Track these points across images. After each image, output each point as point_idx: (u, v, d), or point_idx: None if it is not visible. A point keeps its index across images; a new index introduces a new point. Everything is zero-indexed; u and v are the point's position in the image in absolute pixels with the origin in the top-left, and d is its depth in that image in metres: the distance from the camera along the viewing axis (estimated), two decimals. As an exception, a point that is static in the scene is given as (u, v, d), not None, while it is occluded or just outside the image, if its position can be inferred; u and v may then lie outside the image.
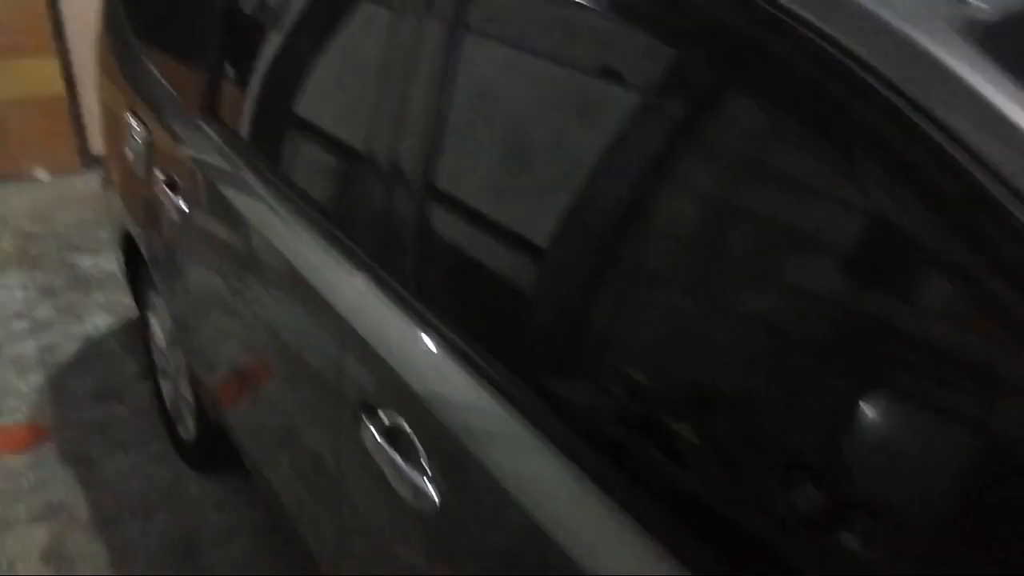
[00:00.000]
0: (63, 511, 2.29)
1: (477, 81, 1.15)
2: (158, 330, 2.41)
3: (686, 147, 0.90)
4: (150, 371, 2.67)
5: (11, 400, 2.70)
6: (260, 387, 1.72)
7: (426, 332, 1.17)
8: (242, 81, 1.74)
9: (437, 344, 1.15)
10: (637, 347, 0.93)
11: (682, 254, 0.90)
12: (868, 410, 0.71)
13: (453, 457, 1.08)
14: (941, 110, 0.66)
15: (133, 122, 2.17)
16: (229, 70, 1.77)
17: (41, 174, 4.34)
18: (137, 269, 2.48)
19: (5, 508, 2.29)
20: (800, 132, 0.77)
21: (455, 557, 1.12)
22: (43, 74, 4.17)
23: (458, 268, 1.18)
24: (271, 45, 1.66)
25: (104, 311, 3.22)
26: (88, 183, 4.21)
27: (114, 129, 2.44)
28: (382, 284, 1.26)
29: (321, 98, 1.52)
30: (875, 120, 0.70)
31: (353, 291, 1.29)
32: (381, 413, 1.20)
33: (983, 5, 0.75)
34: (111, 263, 3.42)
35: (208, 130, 1.80)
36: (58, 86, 4.23)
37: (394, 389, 1.18)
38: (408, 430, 1.15)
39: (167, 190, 1.90)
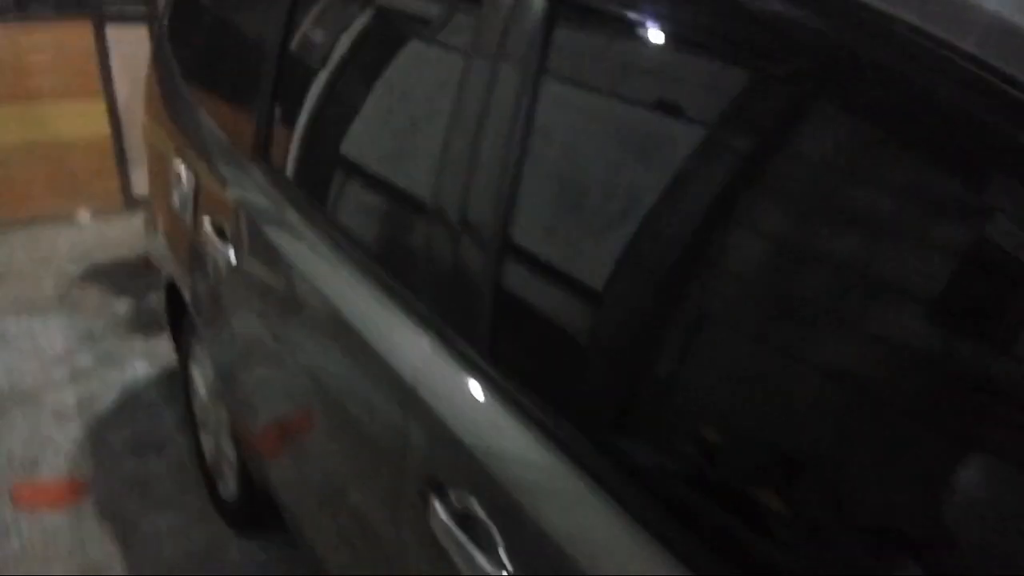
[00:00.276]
0: (101, 573, 2.18)
1: (557, 131, 1.03)
2: (200, 382, 2.31)
3: (782, 195, 0.80)
4: (190, 423, 2.57)
5: (50, 453, 2.61)
6: (310, 449, 1.60)
7: (502, 402, 1.04)
8: (295, 126, 1.65)
9: (515, 416, 1.02)
10: (727, 409, 0.83)
11: (762, 306, 0.80)
12: (967, 471, 0.65)
13: (537, 551, 0.95)
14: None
15: (181, 167, 2.09)
16: (282, 114, 1.68)
17: (83, 216, 4.32)
18: (179, 317, 2.39)
19: (42, 567, 2.19)
20: (901, 159, 0.70)
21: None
22: (89, 116, 4.17)
23: (537, 330, 1.06)
24: (326, 89, 1.57)
25: (144, 358, 3.14)
26: (130, 225, 4.18)
27: (160, 172, 2.37)
28: (450, 346, 1.13)
29: (381, 145, 1.42)
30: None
31: (418, 353, 1.17)
32: (451, 493, 1.07)
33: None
34: (152, 308, 3.36)
35: (260, 176, 1.70)
36: (103, 128, 4.22)
37: (466, 467, 1.05)
38: (482, 515, 1.02)
39: (216, 238, 1.80)
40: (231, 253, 1.74)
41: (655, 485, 0.87)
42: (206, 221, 1.86)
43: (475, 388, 1.08)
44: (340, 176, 1.55)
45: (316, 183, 1.59)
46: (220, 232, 1.80)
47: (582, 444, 0.93)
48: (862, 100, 0.74)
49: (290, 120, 1.67)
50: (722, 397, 0.84)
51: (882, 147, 0.73)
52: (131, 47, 4.11)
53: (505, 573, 0.98)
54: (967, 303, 0.66)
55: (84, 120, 4.08)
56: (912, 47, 0.69)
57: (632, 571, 0.86)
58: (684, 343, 0.88)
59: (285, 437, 1.72)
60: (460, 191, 1.12)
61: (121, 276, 3.71)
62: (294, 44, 1.67)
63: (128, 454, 2.62)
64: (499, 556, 0.99)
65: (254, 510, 2.17)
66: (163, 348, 3.10)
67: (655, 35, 0.95)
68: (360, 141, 1.48)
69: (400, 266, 1.30)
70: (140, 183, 4.30)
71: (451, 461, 1.09)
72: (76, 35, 3.99)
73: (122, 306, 3.51)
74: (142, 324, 3.36)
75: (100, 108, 4.13)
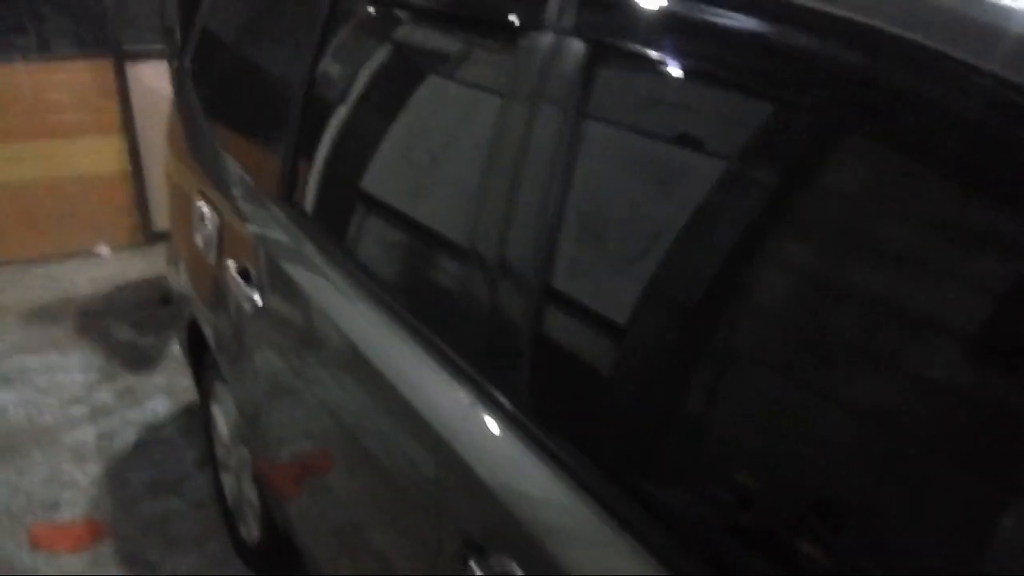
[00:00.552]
0: (118, 619, 2.14)
1: (599, 175, 1.00)
2: (221, 422, 2.28)
3: (836, 233, 0.77)
4: (210, 462, 2.54)
5: (69, 493, 2.58)
6: (336, 497, 1.57)
7: (543, 460, 1.00)
8: (322, 167, 1.63)
9: (558, 475, 0.98)
10: (762, 452, 0.80)
11: (796, 346, 0.78)
12: (1011, 515, 0.62)
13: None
14: None
15: (203, 206, 2.07)
16: (308, 155, 1.66)
17: (103, 250, 4.33)
18: (201, 355, 2.37)
19: (59, 613, 2.16)
20: (934, 189, 0.68)
21: None
22: (109, 151, 4.20)
23: (580, 382, 1.02)
24: (354, 130, 1.55)
25: (163, 394, 3.12)
26: (150, 260, 4.18)
27: (182, 210, 2.36)
28: (488, 399, 1.10)
29: (412, 187, 1.40)
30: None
31: (454, 406, 1.14)
32: (491, 556, 1.03)
33: None
34: (171, 342, 3.34)
35: (285, 218, 1.68)
36: (124, 164, 4.24)
37: (507, 530, 1.01)
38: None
39: (240, 280, 1.78)
40: (256, 296, 1.72)
41: (709, 547, 0.83)
42: (230, 263, 1.84)
43: (515, 446, 1.04)
44: (369, 219, 1.53)
45: (343, 226, 1.57)
46: (245, 274, 1.78)
47: (636, 512, 0.89)
48: (895, 130, 0.71)
49: (317, 161, 1.65)
50: (757, 439, 0.81)
51: (914, 177, 0.71)
52: (151, 83, 4.14)
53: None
54: (1007, 339, 0.63)
55: (104, 156, 4.10)
56: (942, 73, 0.67)
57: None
58: (732, 389, 0.84)
59: (310, 483, 1.68)
60: (498, 235, 1.09)
61: (141, 312, 3.71)
62: (320, 84, 1.66)
63: (147, 494, 2.59)
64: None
65: (277, 555, 2.13)
66: (182, 384, 3.08)
67: (696, 78, 0.92)
68: (390, 183, 1.46)
69: (432, 312, 1.27)
70: (160, 218, 4.32)
71: (490, 522, 1.05)
72: (97, 73, 4.02)
73: (144, 341, 3.49)
74: (162, 360, 3.34)
75: (121, 144, 4.15)
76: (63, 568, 2.30)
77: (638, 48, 0.98)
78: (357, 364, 1.37)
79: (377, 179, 1.49)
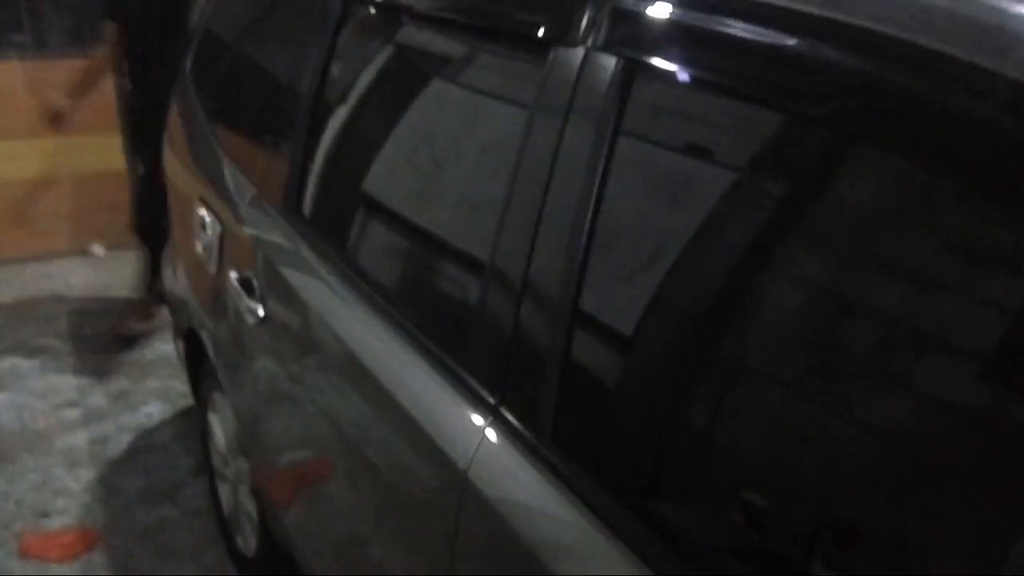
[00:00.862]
0: (110, 632, 2.10)
1: (633, 192, 0.97)
2: (219, 432, 2.24)
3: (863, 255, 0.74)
4: (205, 469, 2.50)
5: (60, 500, 2.54)
6: (338, 512, 1.53)
7: (568, 496, 0.96)
8: (333, 177, 1.59)
9: (581, 512, 0.94)
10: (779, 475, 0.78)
11: (812, 367, 0.76)
12: None
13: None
14: None
15: (204, 213, 2.03)
16: (318, 164, 1.62)
17: (98, 249, 4.27)
18: (198, 362, 2.33)
19: (49, 626, 2.11)
20: (950, 204, 0.66)
21: None
22: (106, 151, 4.13)
23: (609, 411, 0.98)
24: (370, 140, 1.51)
25: (158, 399, 3.07)
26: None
27: (182, 214, 2.32)
28: (508, 429, 1.06)
29: (428, 200, 1.36)
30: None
31: (470, 434, 1.10)
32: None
33: None
34: (167, 345, 3.29)
35: (290, 229, 1.64)
36: (120, 162, 4.18)
37: (511, 547, 0.98)
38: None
39: (242, 291, 1.74)
40: (259, 308, 1.68)
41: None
42: (232, 273, 1.80)
43: (538, 481, 1.00)
44: (379, 231, 1.49)
45: (352, 238, 1.53)
46: (246, 284, 1.74)
47: (642, 531, 0.86)
48: (910, 142, 0.69)
49: (326, 171, 1.61)
50: (775, 462, 0.79)
51: (929, 189, 0.69)
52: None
53: None
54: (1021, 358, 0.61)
55: (102, 154, 4.03)
56: (957, 79, 0.65)
57: None
58: (775, 420, 0.81)
59: (310, 495, 1.65)
60: (523, 252, 1.05)
61: (136, 314, 3.65)
62: (331, 92, 1.62)
63: (141, 502, 2.55)
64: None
65: (275, 567, 2.08)
66: (177, 388, 3.04)
67: (731, 96, 0.89)
68: (404, 195, 1.42)
69: (446, 329, 1.23)
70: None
71: (513, 561, 1.01)
72: (95, 70, 3.96)
73: (136, 344, 3.44)
74: (156, 362, 3.30)
75: (117, 143, 4.09)
76: (54, 578, 2.26)
77: (671, 65, 0.95)
78: (363, 380, 1.34)
79: (390, 191, 1.45)
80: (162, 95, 3.24)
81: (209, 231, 1.99)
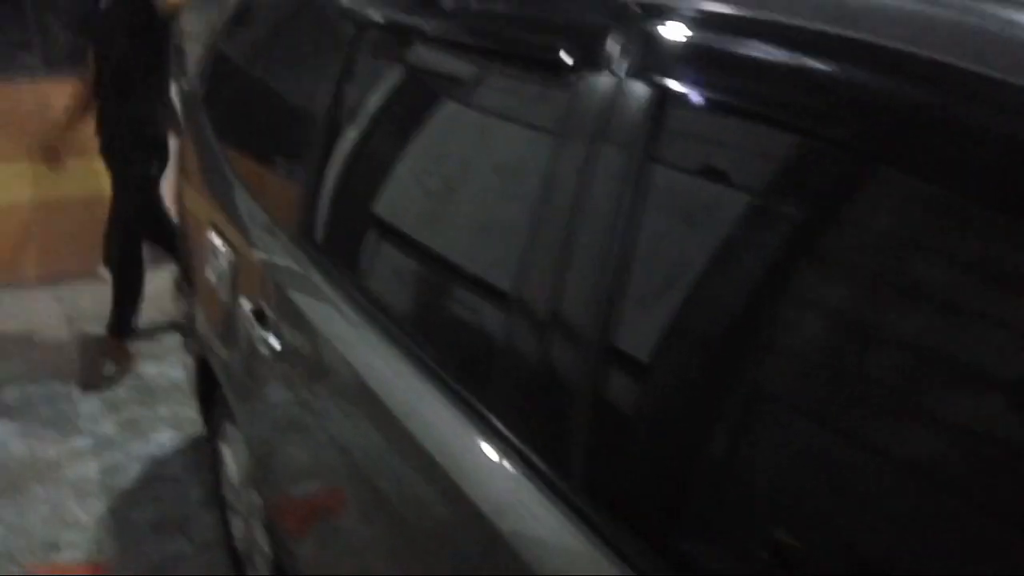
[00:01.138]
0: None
1: (671, 222, 0.91)
2: (231, 463, 2.17)
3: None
4: (216, 500, 2.44)
5: (70, 533, 2.48)
6: (358, 555, 1.46)
7: (596, 541, 0.90)
8: (348, 205, 1.54)
9: (611, 559, 0.87)
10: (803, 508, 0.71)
11: (836, 395, 0.73)
12: None
13: None
14: None
15: (216, 240, 1.98)
16: (332, 191, 1.57)
17: (105, 272, 4.23)
18: (210, 390, 2.27)
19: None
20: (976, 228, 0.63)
21: None
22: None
23: (647, 456, 0.91)
24: (387, 166, 1.46)
25: (169, 426, 3.01)
26: (154, 281, 4.08)
27: (194, 240, 2.27)
28: (535, 473, 1.00)
29: (447, 230, 1.30)
30: None
31: (492, 474, 1.04)
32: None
33: None
34: (177, 370, 3.24)
35: (305, 258, 1.59)
36: (131, 184, 4.15)
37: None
38: None
39: (255, 322, 1.68)
40: (272, 339, 1.62)
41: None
42: (244, 302, 1.75)
43: (564, 524, 0.94)
44: (397, 262, 1.44)
45: (369, 268, 1.47)
46: (260, 315, 1.68)
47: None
48: (935, 164, 0.67)
49: (341, 198, 1.56)
50: (808, 499, 0.75)
51: (955, 215, 0.66)
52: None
53: None
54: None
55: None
56: (982, 98, 0.64)
57: None
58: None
59: (326, 536, 1.58)
60: (551, 285, 0.99)
61: (146, 336, 3.61)
62: (346, 117, 1.56)
63: (152, 534, 2.49)
64: None
65: (288, 606, 2.02)
66: (188, 415, 2.98)
67: (769, 124, 0.84)
68: (422, 224, 1.37)
69: (468, 365, 1.17)
70: (166, 239, 4.23)
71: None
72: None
73: (149, 369, 3.40)
74: (167, 389, 3.24)
75: (127, 164, 4.06)
76: (63, 614, 2.20)
77: (702, 91, 0.89)
78: (380, 414, 1.28)
79: (407, 218, 1.39)
80: (133, 123, 3.18)
81: (221, 258, 1.93)
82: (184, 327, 2.51)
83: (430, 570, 1.16)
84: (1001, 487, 0.61)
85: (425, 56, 1.42)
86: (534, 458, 1.00)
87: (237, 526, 2.26)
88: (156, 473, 2.77)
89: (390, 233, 1.47)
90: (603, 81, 0.95)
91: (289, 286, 1.62)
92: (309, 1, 1.91)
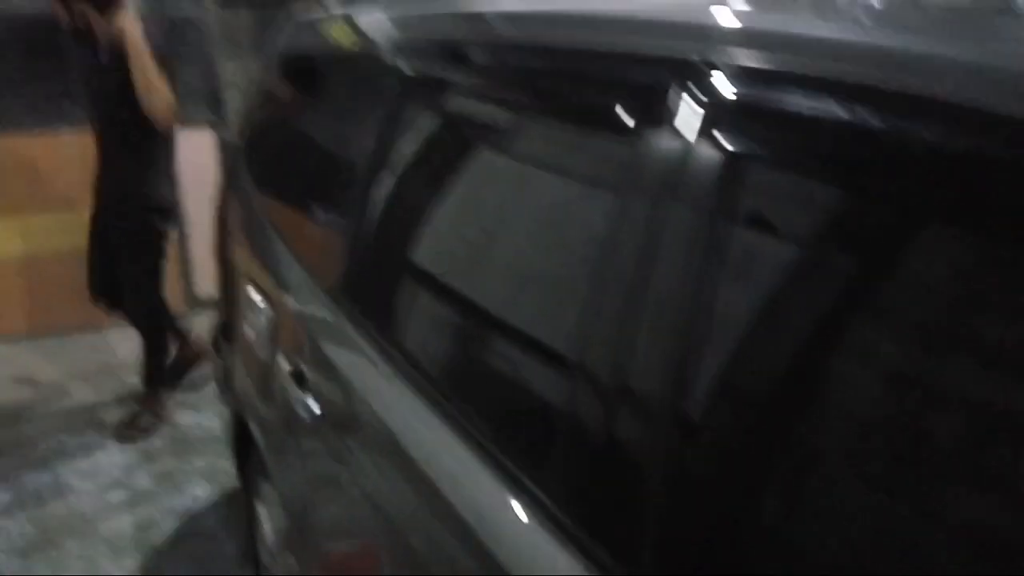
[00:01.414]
0: None
1: (748, 289, 0.84)
2: (267, 526, 2.12)
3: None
4: (252, 560, 2.37)
5: (103, 592, 2.44)
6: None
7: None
8: (390, 261, 1.49)
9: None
10: None
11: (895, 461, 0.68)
12: None
13: None
14: None
15: (255, 295, 1.94)
16: (377, 249, 1.52)
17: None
18: (246, 448, 2.22)
19: None
20: None
21: None
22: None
23: (731, 553, 0.83)
24: (431, 222, 1.41)
25: (204, 479, 2.97)
26: (193, 326, 4.07)
27: (232, 294, 2.24)
28: (594, 561, 0.92)
29: (497, 291, 1.24)
30: None
31: (549, 563, 0.97)
32: None
33: None
34: (213, 420, 3.21)
35: (346, 319, 1.54)
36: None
37: None
38: None
39: (293, 384, 1.63)
40: (312, 403, 1.56)
41: None
42: (283, 362, 1.70)
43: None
44: (444, 327, 1.38)
45: (413, 332, 1.42)
46: (299, 376, 1.63)
47: None
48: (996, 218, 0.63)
49: (386, 257, 1.51)
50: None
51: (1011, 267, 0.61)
52: (196, 150, 4.09)
53: None
54: None
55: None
56: None
57: None
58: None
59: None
60: (616, 349, 0.92)
61: (183, 384, 3.58)
62: (392, 172, 1.52)
63: (186, 594, 2.44)
64: None
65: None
66: (223, 467, 2.93)
67: (848, 190, 0.78)
68: (471, 287, 1.31)
69: (519, 439, 1.11)
70: (202, 283, 4.23)
71: None
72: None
73: (185, 419, 3.37)
74: (203, 440, 3.21)
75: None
76: None
77: (777, 153, 0.83)
78: (424, 487, 1.21)
79: (455, 281, 1.34)
80: (130, 185, 3.11)
81: (260, 315, 1.89)
82: (221, 382, 2.47)
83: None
84: None
85: (474, 114, 1.38)
86: (598, 549, 0.92)
87: (273, 588, 2.19)
88: (191, 529, 2.72)
89: (434, 293, 1.42)
90: (666, 141, 0.90)
91: (329, 347, 1.57)
92: (351, 54, 1.89)
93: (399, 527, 1.32)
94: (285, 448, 1.81)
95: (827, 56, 0.82)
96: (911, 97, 0.71)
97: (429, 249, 1.41)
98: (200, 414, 3.38)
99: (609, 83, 1.05)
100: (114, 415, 3.39)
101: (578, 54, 1.11)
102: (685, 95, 0.90)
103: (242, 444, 2.23)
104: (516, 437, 1.13)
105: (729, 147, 0.85)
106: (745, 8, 0.92)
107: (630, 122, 0.97)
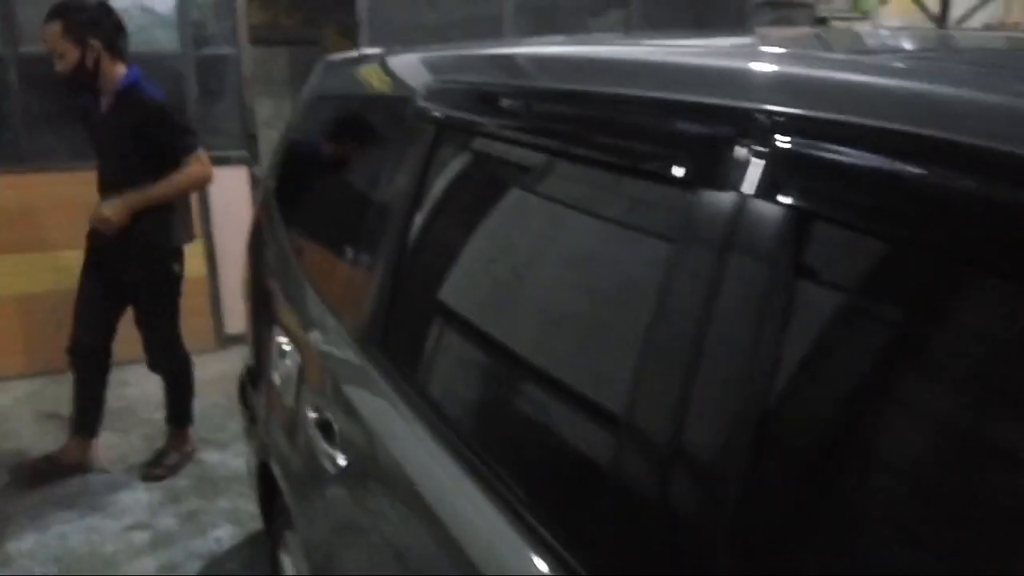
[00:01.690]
0: None
1: (814, 348, 0.79)
2: (291, 573, 2.06)
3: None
4: (276, 608, 2.32)
5: (124, 641, 2.38)
6: None
7: None
8: (424, 311, 1.44)
9: None
10: None
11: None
12: None
13: None
14: None
15: (283, 340, 1.91)
16: (408, 299, 1.47)
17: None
18: (271, 497, 2.17)
19: None
20: None
21: None
22: (191, 255, 4.13)
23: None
24: (468, 272, 1.36)
25: (228, 521, 2.92)
26: (222, 364, 4.06)
27: (261, 334, 2.20)
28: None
29: (533, 344, 1.19)
30: None
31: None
32: None
33: None
34: (239, 459, 3.17)
35: (375, 370, 1.49)
36: (200, 268, 4.18)
37: None
38: None
39: (320, 435, 1.58)
40: (338, 456, 1.51)
41: None
42: (310, 412, 1.65)
43: None
44: (478, 381, 1.32)
45: (446, 385, 1.36)
46: (325, 427, 1.59)
47: None
48: None
49: (418, 307, 1.46)
50: None
51: None
52: (229, 188, 4.11)
53: None
54: None
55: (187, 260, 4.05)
56: None
57: None
58: None
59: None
60: (671, 410, 0.86)
61: (210, 423, 3.56)
62: (423, 221, 1.48)
63: (208, 643, 2.38)
64: None
65: None
66: (248, 509, 2.89)
67: (918, 250, 0.72)
68: (508, 340, 1.25)
69: (559, 501, 1.05)
70: (233, 321, 4.22)
71: None
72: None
73: (211, 457, 3.33)
74: (228, 479, 3.17)
75: (198, 248, 4.09)
76: None
77: (842, 212, 0.77)
78: (456, 551, 1.15)
79: (492, 333, 1.28)
80: (143, 236, 3.02)
81: (288, 360, 1.85)
82: (248, 425, 2.43)
83: None
84: None
85: (514, 164, 1.33)
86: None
87: (296, 640, 2.13)
88: (214, 573, 2.66)
89: (466, 344, 1.37)
90: (726, 198, 0.84)
91: (356, 396, 1.52)
92: (384, 96, 1.87)
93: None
94: (309, 497, 1.76)
95: (890, 107, 0.77)
96: (981, 150, 0.67)
97: (462, 299, 1.36)
98: (225, 452, 3.35)
99: (666, 137, 0.99)
100: (140, 454, 3.36)
101: (628, 101, 1.06)
102: (743, 147, 0.85)
103: (267, 490, 2.18)
104: (545, 496, 1.07)
105: (799, 208, 0.79)
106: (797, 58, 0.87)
107: (685, 173, 0.92)
